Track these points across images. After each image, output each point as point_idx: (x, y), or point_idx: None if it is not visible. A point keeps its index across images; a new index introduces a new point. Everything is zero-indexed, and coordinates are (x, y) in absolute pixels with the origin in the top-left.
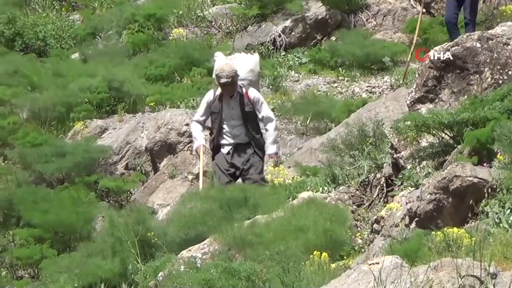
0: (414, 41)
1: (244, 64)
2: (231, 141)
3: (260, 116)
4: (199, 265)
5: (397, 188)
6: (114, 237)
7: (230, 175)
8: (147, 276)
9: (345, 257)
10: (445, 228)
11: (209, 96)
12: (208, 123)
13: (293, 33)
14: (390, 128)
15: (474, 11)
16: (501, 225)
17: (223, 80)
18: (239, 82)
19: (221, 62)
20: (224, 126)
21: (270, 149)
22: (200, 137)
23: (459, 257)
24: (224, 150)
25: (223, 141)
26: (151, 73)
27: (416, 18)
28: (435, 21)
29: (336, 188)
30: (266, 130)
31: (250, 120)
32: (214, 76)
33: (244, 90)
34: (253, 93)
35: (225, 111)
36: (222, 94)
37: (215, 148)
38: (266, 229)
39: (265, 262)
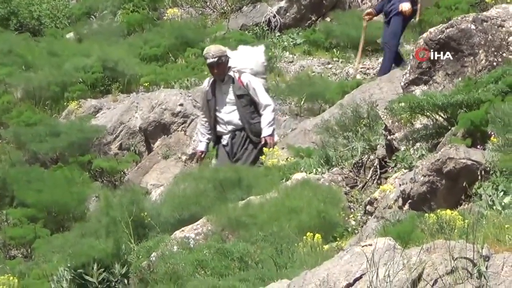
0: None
1: (246, 54)
2: (227, 128)
3: (257, 101)
4: (192, 246)
5: (390, 170)
6: (108, 217)
7: None
8: (140, 256)
9: (338, 239)
10: (438, 210)
11: (204, 85)
12: None
13: (288, 14)
14: (384, 109)
15: (392, 33)
16: (494, 207)
17: (208, 61)
18: (240, 69)
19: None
20: (218, 113)
21: (264, 131)
22: (202, 140)
23: (452, 239)
24: (223, 141)
25: (219, 129)
26: (146, 53)
27: None
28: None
29: (330, 169)
30: (262, 114)
31: (244, 104)
32: None
33: (237, 75)
34: (246, 77)
35: (218, 98)
36: (214, 81)
37: (215, 139)
38: (260, 210)
39: (258, 243)
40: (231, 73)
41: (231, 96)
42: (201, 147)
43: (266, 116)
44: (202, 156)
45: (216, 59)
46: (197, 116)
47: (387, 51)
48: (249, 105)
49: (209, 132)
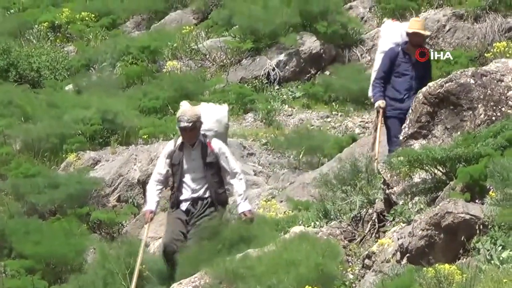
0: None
1: (210, 114)
2: (190, 195)
3: (226, 169)
4: None
5: (389, 224)
6: (105, 269)
7: (180, 241)
8: None
9: None
10: (437, 264)
11: (169, 147)
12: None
13: (287, 67)
14: (383, 163)
15: None
16: (492, 262)
17: (182, 124)
18: (204, 132)
19: (185, 107)
20: (185, 179)
21: (242, 206)
22: (151, 201)
23: None
24: (183, 206)
25: (182, 197)
26: (145, 105)
27: None
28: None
29: (328, 223)
30: (232, 184)
31: (212, 173)
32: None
33: (207, 140)
34: (217, 143)
35: (186, 163)
36: (183, 144)
37: (174, 204)
38: (258, 262)
39: None
40: (201, 138)
41: (199, 163)
42: (151, 206)
43: (239, 187)
44: (152, 216)
45: (190, 124)
46: None
47: None
48: (216, 173)
49: (160, 195)
